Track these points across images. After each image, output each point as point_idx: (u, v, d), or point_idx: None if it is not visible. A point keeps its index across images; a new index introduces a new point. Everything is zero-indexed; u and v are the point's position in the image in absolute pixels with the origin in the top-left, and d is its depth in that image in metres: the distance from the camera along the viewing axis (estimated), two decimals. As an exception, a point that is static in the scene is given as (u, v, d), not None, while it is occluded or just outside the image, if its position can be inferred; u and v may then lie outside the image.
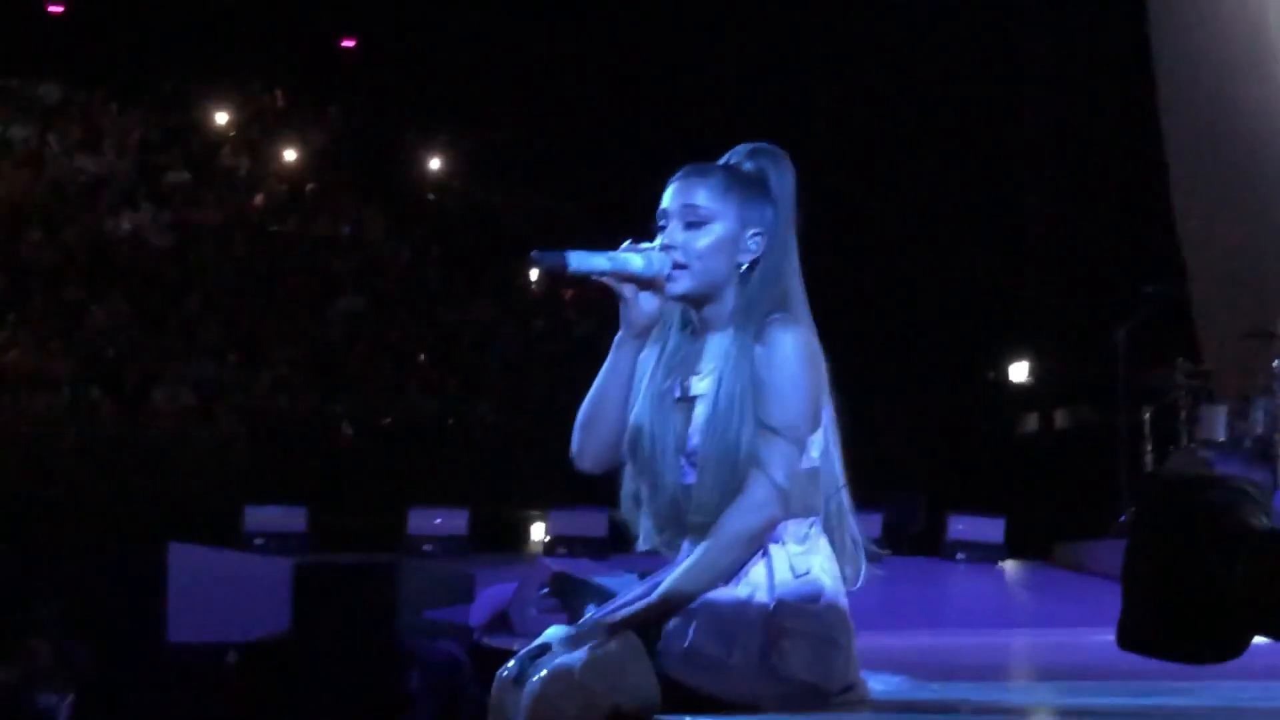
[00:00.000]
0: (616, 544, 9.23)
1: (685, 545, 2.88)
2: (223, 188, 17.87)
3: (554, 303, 17.11)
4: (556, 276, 2.93)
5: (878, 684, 3.05)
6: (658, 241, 2.93)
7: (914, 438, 12.30)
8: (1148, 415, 9.87)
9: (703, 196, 2.91)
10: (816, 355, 2.86)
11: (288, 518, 10.26)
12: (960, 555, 9.71)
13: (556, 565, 6.83)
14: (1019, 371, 14.53)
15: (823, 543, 2.89)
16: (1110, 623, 2.76)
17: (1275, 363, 8.93)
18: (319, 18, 18.72)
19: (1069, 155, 13.94)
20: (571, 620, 3.04)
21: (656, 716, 2.74)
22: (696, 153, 3.03)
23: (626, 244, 2.93)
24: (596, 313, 15.52)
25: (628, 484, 2.95)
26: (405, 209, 18.28)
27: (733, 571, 2.82)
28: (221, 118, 19.01)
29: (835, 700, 2.83)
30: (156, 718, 7.42)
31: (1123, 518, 9.15)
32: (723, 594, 2.80)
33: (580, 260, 2.89)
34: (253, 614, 7.73)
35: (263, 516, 10.23)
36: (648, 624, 2.80)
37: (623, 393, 2.94)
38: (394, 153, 19.03)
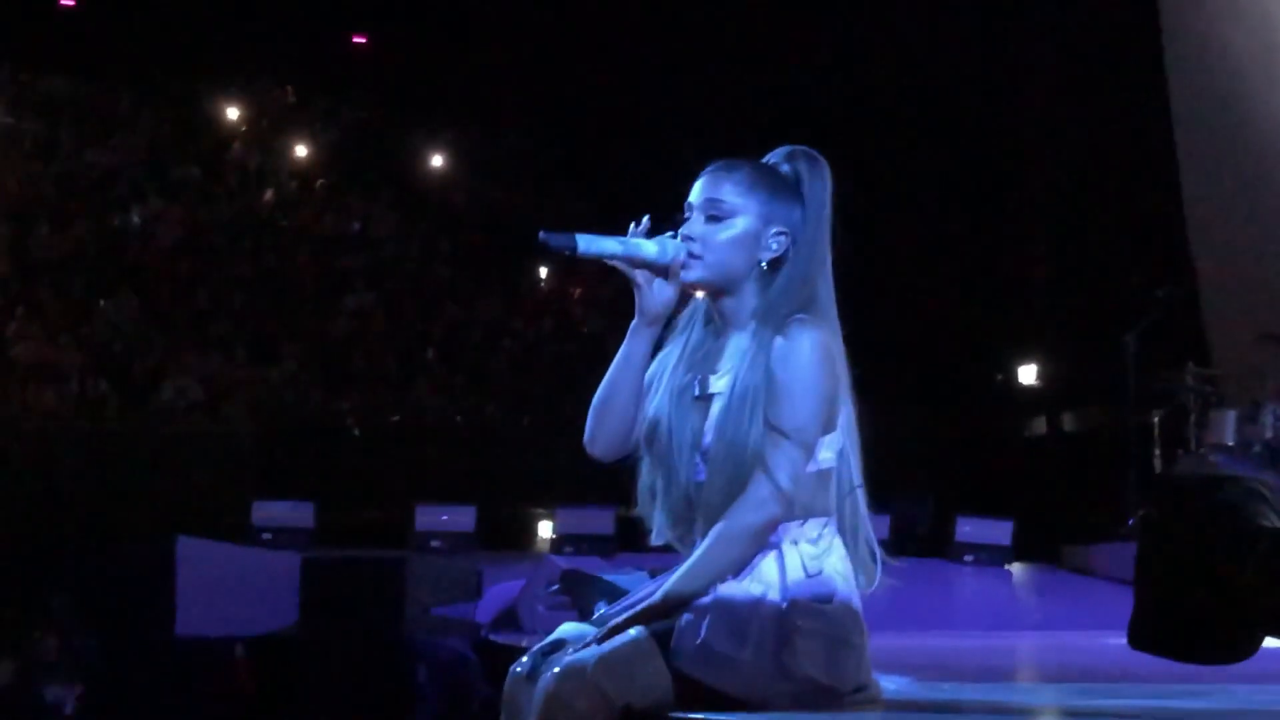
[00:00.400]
0: (624, 542, 9.24)
1: (697, 542, 2.88)
2: (233, 183, 17.89)
3: (562, 301, 17.12)
4: (564, 258, 2.90)
5: (889, 684, 3.04)
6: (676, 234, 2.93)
7: (922, 440, 12.27)
8: (1157, 419, 9.87)
9: (727, 190, 2.92)
10: (834, 358, 2.85)
11: (295, 513, 10.27)
12: (968, 557, 9.71)
13: (564, 563, 6.83)
14: (1028, 374, 14.50)
15: (836, 543, 2.88)
16: (1119, 625, 2.76)
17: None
18: (330, 14, 18.74)
19: (1080, 158, 13.92)
20: (582, 617, 3.05)
21: (669, 714, 2.74)
22: (706, 151, 3.03)
23: (640, 229, 2.93)
24: (605, 312, 15.52)
25: (644, 477, 2.95)
26: (415, 206, 18.29)
27: (733, 569, 2.81)
28: (232, 113, 19.03)
29: (847, 700, 2.83)
30: (164, 711, 7.43)
31: (1131, 521, 9.14)
32: (736, 592, 2.80)
33: (589, 243, 2.87)
34: (260, 608, 7.75)
35: (271, 511, 10.24)
36: (651, 622, 2.80)
37: (636, 380, 2.94)
38: (404, 150, 19.04)
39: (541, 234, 2.87)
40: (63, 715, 7.18)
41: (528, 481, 12.13)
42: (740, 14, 15.93)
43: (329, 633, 7.54)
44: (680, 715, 2.72)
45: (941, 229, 14.81)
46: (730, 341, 2.92)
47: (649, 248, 2.90)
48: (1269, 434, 8.86)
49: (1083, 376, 12.83)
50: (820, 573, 2.83)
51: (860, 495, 2.93)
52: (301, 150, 18.88)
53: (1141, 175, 12.55)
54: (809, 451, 2.83)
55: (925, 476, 11.49)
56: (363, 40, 19.85)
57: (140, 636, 7.54)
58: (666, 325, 2.97)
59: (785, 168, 2.96)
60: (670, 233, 2.93)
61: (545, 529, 11.07)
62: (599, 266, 2.93)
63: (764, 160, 2.99)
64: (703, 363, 2.93)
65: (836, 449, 2.89)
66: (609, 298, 15.28)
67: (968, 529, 9.82)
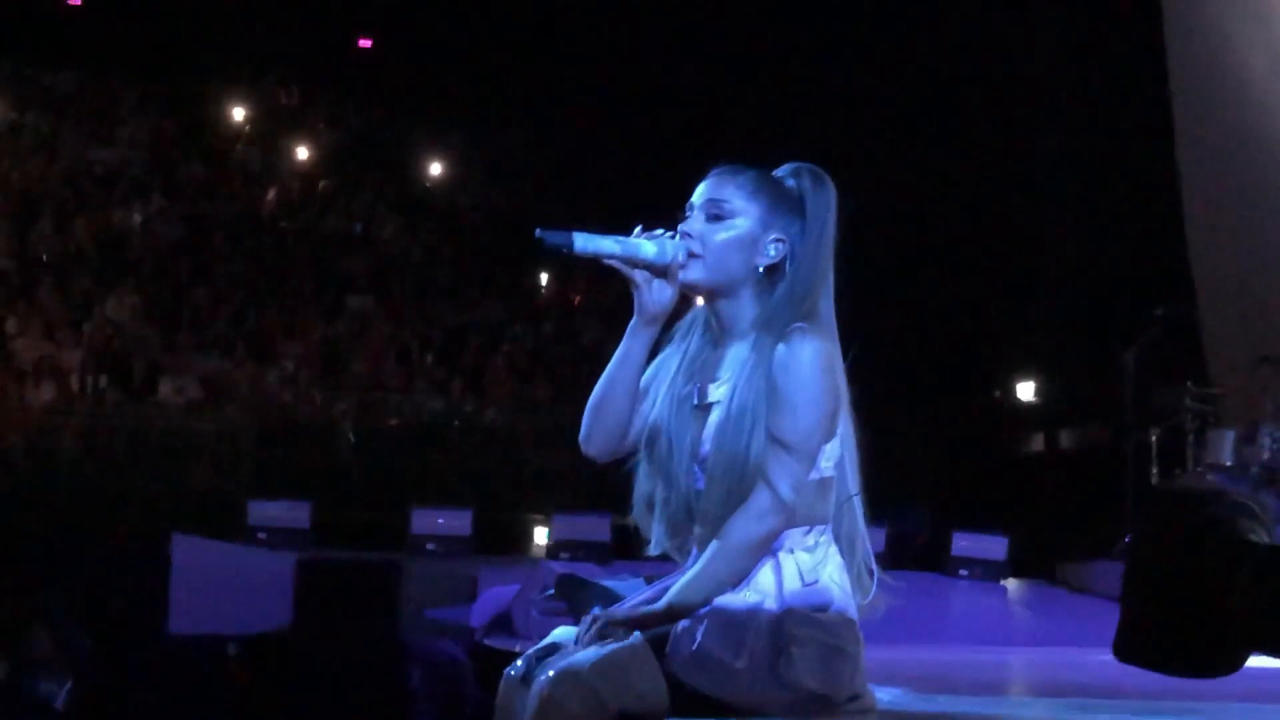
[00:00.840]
0: (620, 550, 9.23)
1: (694, 552, 2.88)
2: (235, 183, 17.90)
3: (563, 306, 17.12)
4: (563, 260, 2.89)
5: (883, 695, 3.04)
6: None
7: (920, 454, 12.28)
8: (1154, 437, 9.85)
9: (730, 192, 2.93)
10: (834, 367, 2.85)
11: (291, 513, 10.24)
12: (963, 572, 9.69)
13: (560, 569, 6.81)
14: (1026, 390, 14.50)
15: (833, 552, 2.88)
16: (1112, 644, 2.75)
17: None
18: (336, 17, 18.77)
19: (1080, 176, 13.93)
20: (577, 622, 3.04)
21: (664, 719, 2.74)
22: (708, 155, 3.04)
23: (638, 230, 2.93)
24: (605, 317, 15.53)
25: (642, 485, 2.95)
26: (417, 209, 18.30)
27: (735, 580, 2.82)
28: (237, 113, 19.06)
29: (842, 709, 2.82)
30: (155, 708, 7.42)
31: (1127, 539, 9.13)
32: (732, 599, 2.80)
33: (586, 241, 2.86)
34: (254, 607, 7.73)
35: (266, 511, 10.21)
36: (649, 629, 2.80)
37: (633, 379, 2.94)
38: (407, 153, 19.07)
39: (538, 231, 2.85)
40: (54, 711, 7.17)
41: (525, 487, 12.13)
42: (740, 14, 15.95)
43: (323, 634, 7.53)
44: (675, 721, 2.72)
45: (940, 245, 14.81)
46: (729, 351, 2.92)
47: (648, 248, 2.89)
48: (1266, 455, 8.85)
49: (1081, 394, 12.84)
50: (816, 581, 2.83)
51: (857, 504, 2.93)
52: (304, 151, 18.90)
53: (1142, 194, 12.56)
54: (811, 461, 2.83)
55: (922, 490, 11.48)
56: (368, 44, 19.87)
57: (133, 633, 7.53)
58: (665, 330, 2.97)
59: (790, 182, 2.97)
60: (670, 233, 2.93)
61: (541, 535, 11.06)
62: (598, 271, 2.93)
63: (770, 173, 2.99)
64: (701, 371, 2.94)
65: (835, 458, 2.89)
66: (609, 305, 15.30)
67: (964, 543, 9.80)
